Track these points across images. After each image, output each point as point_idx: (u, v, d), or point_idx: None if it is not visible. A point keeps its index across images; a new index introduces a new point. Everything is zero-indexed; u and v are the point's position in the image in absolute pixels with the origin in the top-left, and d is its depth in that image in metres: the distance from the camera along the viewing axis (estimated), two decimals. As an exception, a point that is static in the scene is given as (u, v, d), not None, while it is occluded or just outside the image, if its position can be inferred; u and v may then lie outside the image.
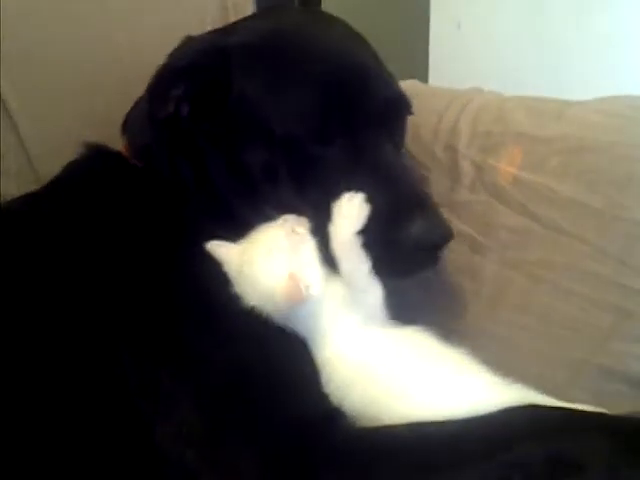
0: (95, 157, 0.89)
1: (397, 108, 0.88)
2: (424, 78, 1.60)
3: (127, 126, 0.91)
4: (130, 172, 0.86)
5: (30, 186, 0.91)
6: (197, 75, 0.81)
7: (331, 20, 0.91)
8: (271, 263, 0.70)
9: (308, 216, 0.75)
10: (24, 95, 1.04)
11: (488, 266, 0.92)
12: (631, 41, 1.31)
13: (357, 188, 0.76)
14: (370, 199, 0.74)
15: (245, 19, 0.94)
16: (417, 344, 0.73)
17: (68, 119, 1.06)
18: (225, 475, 0.65)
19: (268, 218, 0.75)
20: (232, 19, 1.21)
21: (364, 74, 0.84)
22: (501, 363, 0.78)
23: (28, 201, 0.87)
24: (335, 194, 0.76)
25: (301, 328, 0.72)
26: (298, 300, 0.68)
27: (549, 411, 0.71)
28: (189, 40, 0.88)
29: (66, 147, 0.89)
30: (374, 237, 0.74)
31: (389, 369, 0.70)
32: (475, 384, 0.70)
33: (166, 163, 0.83)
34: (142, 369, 0.70)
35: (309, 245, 0.71)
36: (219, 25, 1.15)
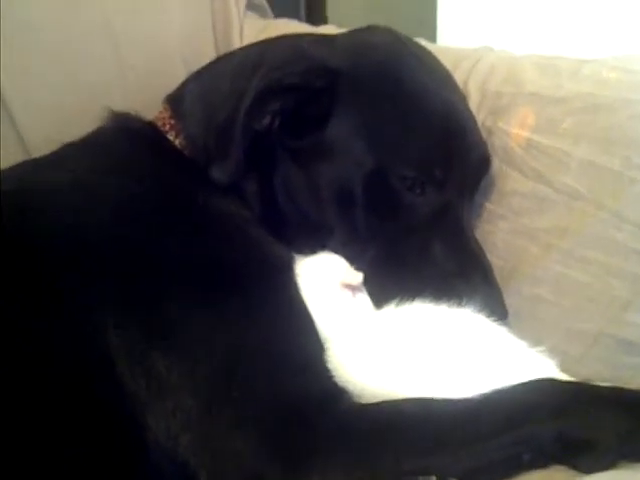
0: (125, 128, 0.87)
1: (486, 170, 0.89)
2: (432, 37, 1.55)
3: (182, 110, 0.87)
4: (165, 148, 0.85)
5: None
6: (304, 94, 0.79)
7: (429, 55, 0.91)
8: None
9: (366, 255, 0.78)
10: (21, 85, 1.01)
11: (500, 235, 0.89)
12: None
13: (431, 241, 0.79)
14: (442, 257, 0.78)
15: (343, 35, 0.92)
16: (427, 321, 0.71)
17: (66, 109, 1.03)
18: (223, 458, 0.63)
19: (319, 246, 0.78)
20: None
21: (467, 130, 0.85)
22: (514, 335, 0.76)
23: (26, 168, 0.84)
24: (405, 243, 0.79)
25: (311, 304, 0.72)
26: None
27: (561, 386, 0.70)
28: (293, 46, 0.85)
29: (65, 137, 0.87)
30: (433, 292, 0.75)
31: (398, 348, 0.69)
32: (486, 361, 0.68)
33: (237, 168, 0.79)
34: (133, 350, 0.67)
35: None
36: (222, 16, 1.15)
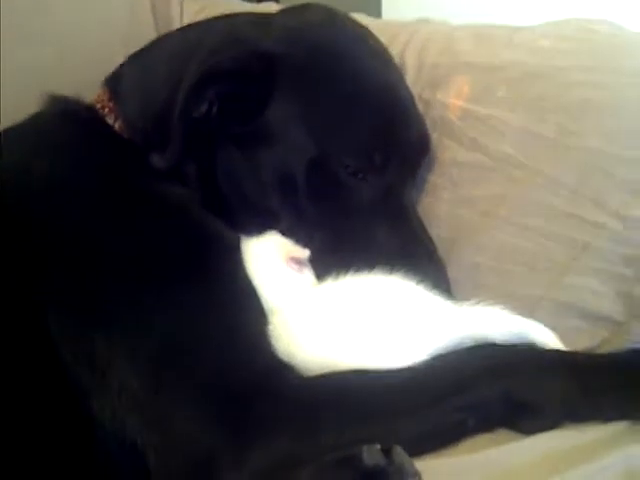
0: (64, 111, 0.85)
1: (426, 151, 0.88)
2: (377, 12, 1.54)
3: (121, 93, 0.86)
4: (104, 131, 0.83)
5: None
6: (242, 80, 0.78)
7: (365, 34, 0.89)
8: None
9: (312, 240, 0.77)
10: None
11: (441, 206, 0.89)
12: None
13: (374, 225, 0.80)
14: (386, 240, 0.79)
15: (279, 15, 0.91)
16: (365, 291, 0.71)
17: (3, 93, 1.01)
18: (171, 438, 0.63)
19: (265, 229, 0.78)
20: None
21: (406, 113, 0.85)
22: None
23: None
24: (349, 226, 0.79)
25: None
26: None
27: (503, 351, 0.71)
28: (229, 30, 0.84)
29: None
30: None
31: (339, 319, 0.69)
32: (421, 326, 0.69)
33: (177, 154, 0.78)
34: (73, 334, 0.66)
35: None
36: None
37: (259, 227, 0.78)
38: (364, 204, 0.80)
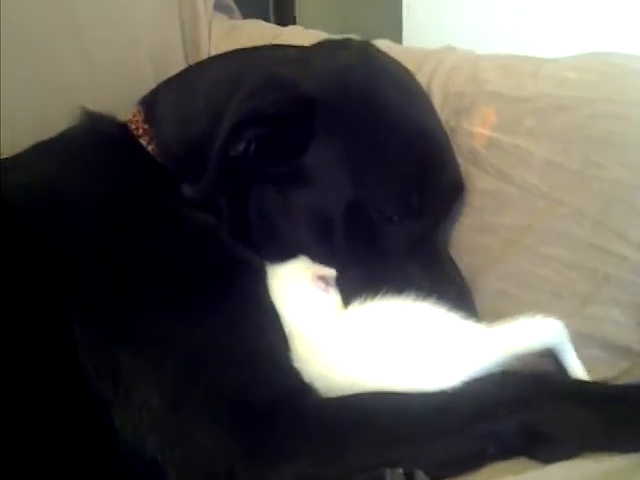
0: (99, 129, 0.87)
1: (461, 194, 0.89)
2: (398, 37, 1.56)
3: (156, 116, 0.87)
4: (137, 152, 0.85)
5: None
6: (281, 123, 0.78)
7: (404, 74, 0.91)
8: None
9: (344, 278, 0.78)
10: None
11: (464, 232, 0.90)
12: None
13: (407, 267, 0.80)
14: (418, 282, 0.78)
15: (317, 53, 0.91)
16: (392, 316, 0.72)
17: (36, 109, 1.03)
18: (192, 455, 0.64)
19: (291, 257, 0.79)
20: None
21: (443, 159, 0.86)
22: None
23: None
24: (382, 268, 0.79)
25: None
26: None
27: (524, 380, 0.72)
28: (268, 70, 0.83)
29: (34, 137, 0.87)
30: None
31: (364, 343, 0.70)
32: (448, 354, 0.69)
33: (210, 188, 0.79)
34: (98, 348, 0.67)
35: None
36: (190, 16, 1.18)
37: (286, 257, 0.79)
38: (398, 246, 0.81)
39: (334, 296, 0.76)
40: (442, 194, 0.85)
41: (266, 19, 1.69)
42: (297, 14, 1.92)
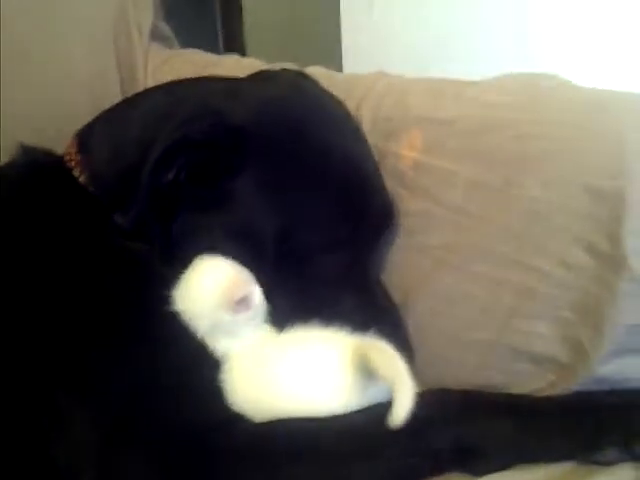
0: (33, 162, 0.87)
1: (390, 222, 0.89)
2: (338, 65, 1.59)
3: (90, 147, 0.88)
4: (70, 183, 0.85)
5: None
6: (210, 151, 0.78)
7: (333, 104, 0.91)
8: (216, 273, 0.72)
9: (274, 307, 0.76)
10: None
11: (395, 252, 0.91)
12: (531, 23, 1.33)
13: (338, 297, 0.80)
14: (350, 313, 0.78)
15: (249, 84, 0.93)
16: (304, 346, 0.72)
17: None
18: None
19: None
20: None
21: (371, 188, 0.86)
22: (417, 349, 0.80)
23: None
24: (312, 297, 0.79)
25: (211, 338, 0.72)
26: (242, 303, 0.69)
27: (454, 395, 0.73)
28: (200, 100, 0.84)
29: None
30: None
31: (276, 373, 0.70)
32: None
33: (139, 216, 0.79)
34: (36, 387, 0.68)
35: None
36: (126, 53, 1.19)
37: None
38: (327, 274, 0.81)
39: (258, 321, 0.74)
40: (372, 222, 0.86)
41: (215, 48, 1.71)
42: (246, 41, 1.93)
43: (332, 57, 1.62)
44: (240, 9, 1.92)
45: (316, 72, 1.04)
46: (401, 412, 0.62)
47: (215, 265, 0.74)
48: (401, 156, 0.92)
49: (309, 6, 1.80)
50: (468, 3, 1.52)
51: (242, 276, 0.73)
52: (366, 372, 0.68)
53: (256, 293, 0.72)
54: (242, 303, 0.70)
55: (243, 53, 1.68)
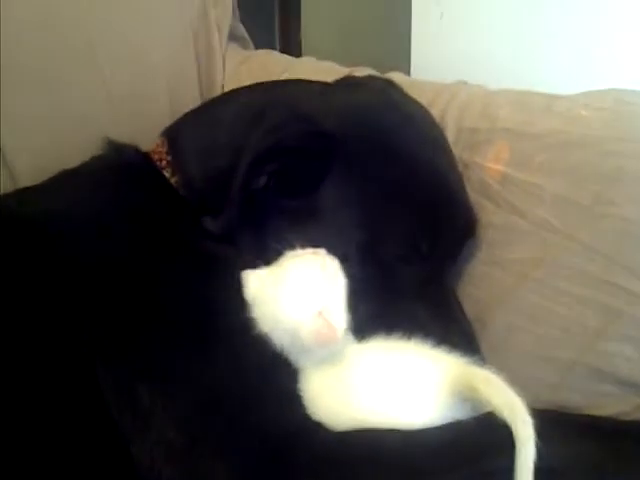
0: (123, 160, 0.87)
1: (472, 234, 0.89)
2: (406, 70, 1.58)
3: (180, 149, 0.88)
4: (160, 184, 0.85)
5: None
6: (300, 157, 0.79)
7: (421, 114, 0.91)
8: (301, 295, 0.68)
9: (356, 311, 0.73)
10: (7, 116, 1.00)
11: (475, 265, 0.91)
12: (617, 35, 1.29)
13: (414, 309, 0.80)
14: (424, 325, 0.78)
15: (340, 88, 0.93)
16: (394, 356, 0.71)
17: (54, 137, 1.04)
18: None
19: None
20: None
21: (456, 201, 0.86)
22: (492, 365, 0.78)
23: (22, 196, 0.85)
24: (389, 308, 0.79)
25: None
26: (325, 342, 0.67)
27: (535, 414, 0.71)
28: (290, 104, 0.85)
29: (53, 167, 0.87)
30: None
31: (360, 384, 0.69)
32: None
33: (231, 223, 0.80)
34: (119, 384, 0.68)
35: (341, 282, 0.70)
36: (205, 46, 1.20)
37: None
38: (406, 286, 0.81)
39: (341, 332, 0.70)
40: (453, 237, 0.85)
41: (271, 44, 1.71)
42: (303, 43, 1.93)
43: (398, 64, 1.61)
44: (298, 10, 1.92)
45: (396, 78, 1.04)
46: (528, 452, 0.61)
47: (303, 284, 0.69)
48: (487, 168, 0.92)
49: (374, 10, 1.79)
50: (544, 13, 1.49)
51: (330, 310, 0.68)
52: (462, 396, 0.67)
53: (340, 331, 0.68)
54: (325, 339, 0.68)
55: (299, 54, 1.67)
